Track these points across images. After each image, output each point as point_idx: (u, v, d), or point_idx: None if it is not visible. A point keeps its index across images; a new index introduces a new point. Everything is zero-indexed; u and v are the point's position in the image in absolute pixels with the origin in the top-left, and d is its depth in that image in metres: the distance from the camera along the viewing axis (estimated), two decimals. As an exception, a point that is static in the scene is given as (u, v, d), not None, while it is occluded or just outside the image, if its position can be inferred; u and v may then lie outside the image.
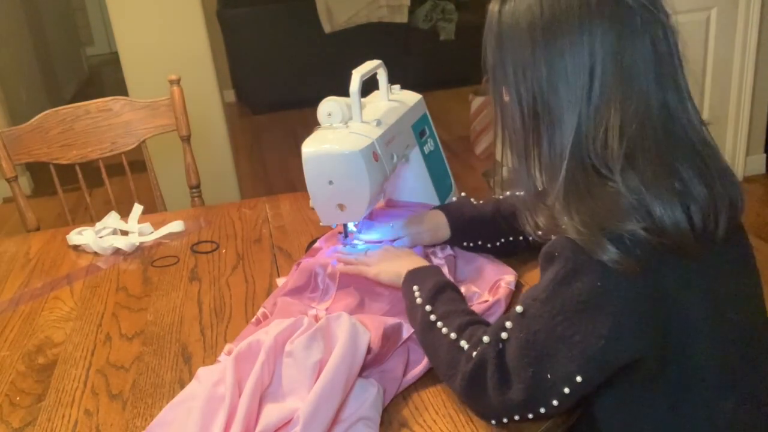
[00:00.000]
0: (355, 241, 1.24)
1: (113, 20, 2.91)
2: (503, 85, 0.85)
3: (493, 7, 0.85)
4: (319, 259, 1.22)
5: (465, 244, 1.24)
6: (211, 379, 0.92)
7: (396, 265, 1.09)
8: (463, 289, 1.13)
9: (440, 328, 0.92)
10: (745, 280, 0.86)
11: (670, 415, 0.82)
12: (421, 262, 1.08)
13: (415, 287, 1.01)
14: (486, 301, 1.10)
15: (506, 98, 0.86)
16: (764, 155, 3.36)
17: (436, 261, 1.21)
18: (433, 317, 0.94)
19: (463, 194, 1.33)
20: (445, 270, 1.15)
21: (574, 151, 0.79)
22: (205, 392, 0.89)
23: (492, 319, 1.04)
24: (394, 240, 1.22)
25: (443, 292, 0.99)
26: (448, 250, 1.23)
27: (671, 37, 0.80)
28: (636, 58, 0.78)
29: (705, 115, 3.02)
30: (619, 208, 0.75)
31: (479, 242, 1.22)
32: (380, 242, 1.23)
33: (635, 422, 0.85)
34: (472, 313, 0.96)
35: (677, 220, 0.75)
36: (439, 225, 1.23)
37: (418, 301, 0.98)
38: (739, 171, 3.30)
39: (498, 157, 0.91)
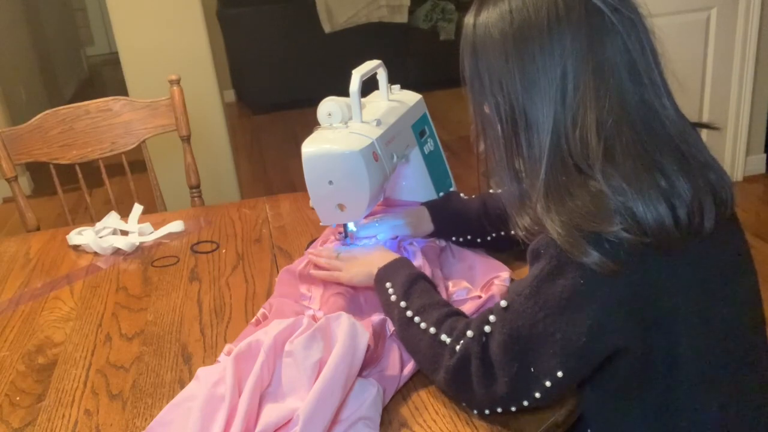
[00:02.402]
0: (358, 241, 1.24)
1: (113, 20, 2.91)
2: (482, 97, 0.86)
3: (468, 20, 0.86)
4: (295, 267, 1.23)
5: (454, 239, 1.24)
6: (210, 379, 0.92)
7: (367, 265, 1.09)
8: (450, 284, 1.14)
9: (418, 324, 0.93)
10: (738, 277, 0.86)
11: (657, 415, 0.83)
12: (391, 257, 1.09)
13: (387, 284, 1.02)
14: (479, 296, 1.10)
15: (486, 110, 0.87)
16: (764, 155, 3.35)
17: (411, 249, 1.20)
18: (409, 313, 0.95)
19: (452, 189, 1.33)
20: (419, 260, 1.15)
21: (553, 152, 0.80)
22: (204, 392, 0.89)
23: None
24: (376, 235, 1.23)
25: (415, 284, 0.99)
26: (424, 242, 1.23)
27: (644, 36, 0.81)
28: (607, 57, 0.78)
29: (705, 115, 3.01)
30: (600, 209, 0.75)
31: (468, 237, 1.23)
32: (370, 237, 1.23)
33: (623, 423, 0.85)
34: (447, 304, 0.97)
35: (661, 218, 0.75)
36: (421, 219, 1.24)
37: (393, 298, 0.99)
38: (739, 171, 3.30)
39: (482, 167, 0.93)
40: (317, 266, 1.18)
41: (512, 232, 0.91)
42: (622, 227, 0.74)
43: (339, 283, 1.14)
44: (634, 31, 0.80)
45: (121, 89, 2.71)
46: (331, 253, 1.18)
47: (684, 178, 0.77)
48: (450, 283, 1.15)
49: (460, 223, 1.23)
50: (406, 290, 0.99)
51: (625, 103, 0.79)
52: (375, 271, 1.06)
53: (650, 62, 0.81)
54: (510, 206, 0.89)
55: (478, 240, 1.23)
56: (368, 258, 1.11)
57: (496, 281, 1.13)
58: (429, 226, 1.24)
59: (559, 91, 0.79)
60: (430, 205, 1.26)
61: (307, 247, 1.35)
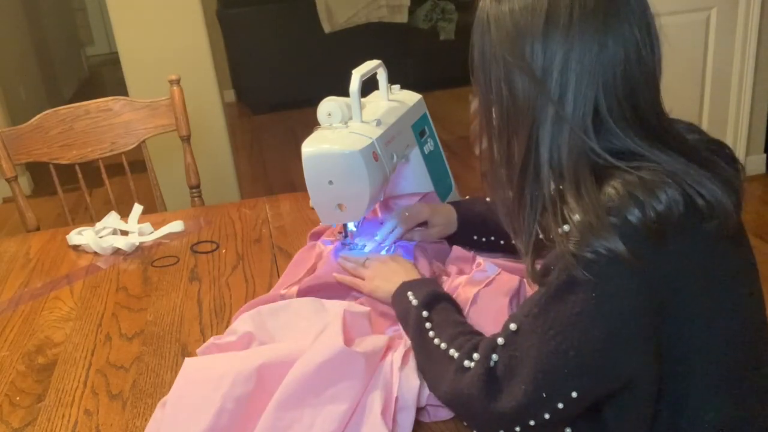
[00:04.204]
0: (357, 241, 1.24)
1: (113, 20, 2.91)
2: (488, 88, 0.85)
3: (480, 14, 0.84)
4: (309, 263, 1.24)
5: (476, 237, 1.22)
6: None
7: (389, 283, 1.07)
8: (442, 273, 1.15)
9: (432, 338, 0.91)
10: (750, 279, 0.84)
11: (666, 423, 0.81)
12: (417, 275, 1.07)
13: (409, 293, 1.00)
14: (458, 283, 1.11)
15: (495, 103, 0.85)
16: (764, 155, 3.35)
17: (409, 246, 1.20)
18: (428, 324, 0.93)
19: (453, 189, 1.32)
20: (425, 267, 1.15)
21: (577, 141, 0.78)
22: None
23: (466, 296, 1.05)
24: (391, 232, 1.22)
25: (438, 301, 0.98)
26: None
27: (653, 28, 0.80)
28: (615, 52, 0.77)
29: (705, 115, 2.98)
30: (653, 179, 0.73)
31: (492, 237, 1.21)
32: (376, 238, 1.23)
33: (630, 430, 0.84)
34: (464, 323, 0.95)
35: (719, 198, 0.74)
36: (437, 220, 1.22)
37: (414, 302, 0.97)
38: (739, 171, 3.30)
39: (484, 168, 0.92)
40: (344, 270, 1.16)
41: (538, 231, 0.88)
42: (639, 213, 0.71)
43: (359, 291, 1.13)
44: (644, 21, 0.79)
45: (121, 89, 2.71)
46: (359, 259, 1.16)
47: (707, 169, 0.77)
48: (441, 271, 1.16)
49: (486, 222, 1.20)
50: (428, 301, 0.97)
51: (648, 91, 0.79)
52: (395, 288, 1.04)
53: (656, 57, 0.81)
54: (504, 214, 0.88)
55: (502, 242, 1.20)
56: (395, 276, 1.08)
57: (473, 266, 1.14)
58: (452, 227, 1.22)
59: (557, 87, 0.77)
60: (455, 204, 1.24)
61: (310, 238, 1.35)
